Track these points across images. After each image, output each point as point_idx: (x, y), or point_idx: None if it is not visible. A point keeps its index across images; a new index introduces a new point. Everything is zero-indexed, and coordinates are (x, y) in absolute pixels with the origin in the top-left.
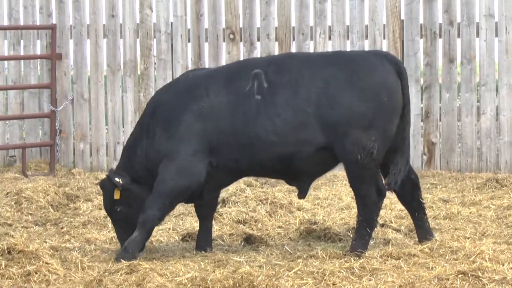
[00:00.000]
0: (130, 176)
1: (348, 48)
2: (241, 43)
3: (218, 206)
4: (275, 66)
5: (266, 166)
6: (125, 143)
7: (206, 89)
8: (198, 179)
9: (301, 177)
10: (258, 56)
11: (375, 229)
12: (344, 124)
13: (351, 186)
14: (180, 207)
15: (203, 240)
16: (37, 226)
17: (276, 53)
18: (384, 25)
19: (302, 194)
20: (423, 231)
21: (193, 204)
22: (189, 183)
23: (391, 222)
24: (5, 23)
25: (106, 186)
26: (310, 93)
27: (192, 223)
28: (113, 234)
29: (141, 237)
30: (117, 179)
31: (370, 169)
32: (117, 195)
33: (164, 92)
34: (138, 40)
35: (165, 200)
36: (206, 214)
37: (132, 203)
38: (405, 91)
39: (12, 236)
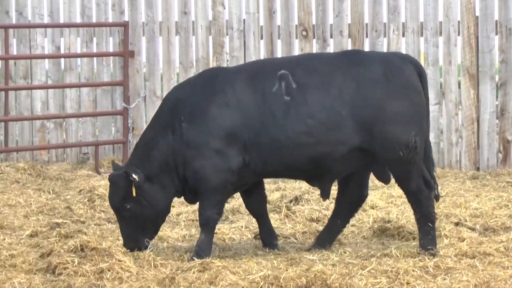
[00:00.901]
0: (145, 173)
1: (422, 46)
2: (314, 40)
3: (291, 203)
4: (301, 67)
5: (295, 167)
6: (138, 141)
7: (231, 84)
8: (232, 170)
9: (327, 178)
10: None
11: (449, 227)
12: (380, 123)
13: (399, 185)
14: None
15: (267, 236)
16: (110, 224)
17: None
18: (459, 21)
19: (325, 195)
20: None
21: None
22: (227, 176)
23: (466, 220)
24: (78, 20)
25: (116, 181)
26: (342, 94)
27: None
28: (186, 231)
29: (209, 238)
30: (134, 176)
31: (415, 164)
32: (134, 192)
33: (184, 87)
34: (210, 37)
35: (216, 196)
36: (259, 210)
37: (142, 201)
38: (426, 92)
39: (85, 234)
